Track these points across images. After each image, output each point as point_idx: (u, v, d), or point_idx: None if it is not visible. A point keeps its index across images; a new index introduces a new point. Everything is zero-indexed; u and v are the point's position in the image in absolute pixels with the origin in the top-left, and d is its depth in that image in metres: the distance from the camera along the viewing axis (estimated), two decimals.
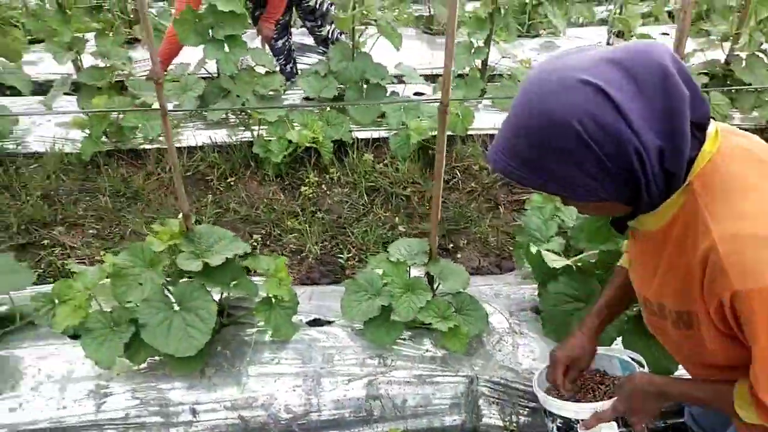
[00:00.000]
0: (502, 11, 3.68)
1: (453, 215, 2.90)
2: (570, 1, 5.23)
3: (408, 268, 1.96)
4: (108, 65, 3.38)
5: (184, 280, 1.80)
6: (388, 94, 3.55)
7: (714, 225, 0.87)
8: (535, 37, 5.08)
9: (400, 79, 3.70)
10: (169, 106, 3.45)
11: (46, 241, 2.65)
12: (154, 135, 3.25)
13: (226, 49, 3.15)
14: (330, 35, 4.10)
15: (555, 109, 0.83)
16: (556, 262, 1.78)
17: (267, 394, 1.77)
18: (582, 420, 1.22)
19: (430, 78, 4.04)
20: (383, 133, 3.40)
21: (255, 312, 1.84)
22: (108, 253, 2.06)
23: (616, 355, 1.41)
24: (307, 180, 3.09)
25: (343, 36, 3.98)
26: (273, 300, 1.87)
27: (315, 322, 2.03)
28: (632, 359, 1.36)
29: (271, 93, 3.44)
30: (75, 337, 1.95)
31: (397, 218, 2.85)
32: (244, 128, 3.38)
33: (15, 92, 3.62)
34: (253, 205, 2.95)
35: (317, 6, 3.94)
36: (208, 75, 3.59)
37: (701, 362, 1.06)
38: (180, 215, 1.84)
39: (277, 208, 2.91)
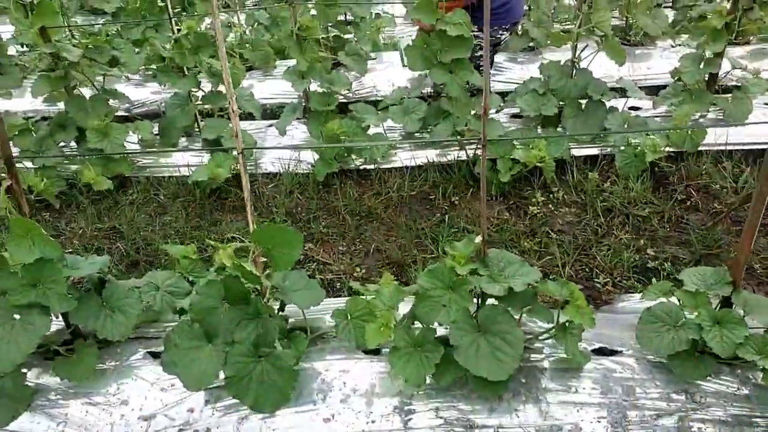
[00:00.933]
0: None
1: (701, 238, 2.71)
2: None
3: (708, 299, 1.85)
4: (331, 90, 3.61)
5: (489, 303, 1.84)
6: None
7: None
8: (746, 44, 4.65)
9: (620, 92, 3.55)
10: (395, 128, 3.65)
11: (301, 257, 2.87)
12: (378, 156, 3.41)
13: (452, 72, 3.24)
14: None
15: None
16: None
17: (571, 423, 1.75)
18: None
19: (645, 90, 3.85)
20: (592, 150, 3.30)
21: (555, 338, 1.83)
22: (386, 271, 2.18)
23: None
24: (533, 200, 3.06)
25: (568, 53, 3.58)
26: (566, 326, 1.85)
27: (600, 351, 1.97)
28: None
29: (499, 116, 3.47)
30: (368, 352, 2.08)
31: (642, 241, 2.72)
32: (459, 147, 3.44)
33: (245, 116, 4.01)
34: (469, 222, 2.97)
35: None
36: (421, 96, 3.69)
37: None
38: (477, 238, 1.89)
39: (506, 228, 2.91)
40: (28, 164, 3.61)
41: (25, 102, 4.56)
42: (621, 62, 3.25)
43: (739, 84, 3.49)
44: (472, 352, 1.74)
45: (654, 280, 2.47)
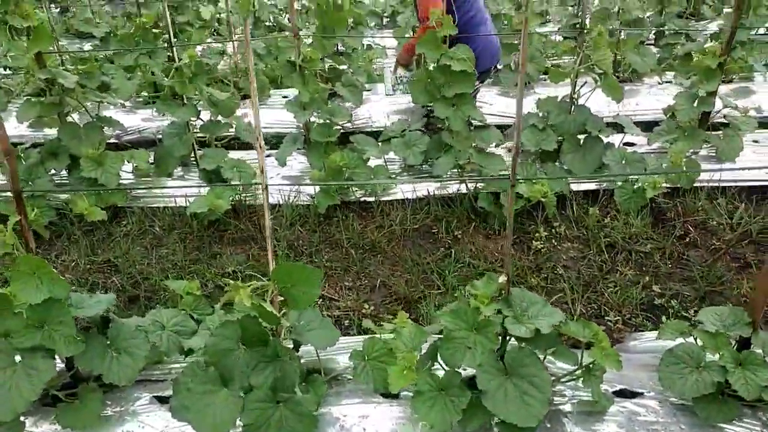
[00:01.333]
0: None
1: (703, 275, 2.75)
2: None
3: (728, 339, 1.86)
4: (331, 122, 3.60)
5: (512, 344, 1.82)
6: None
7: None
8: (729, 82, 4.82)
9: (616, 128, 3.63)
10: (395, 160, 3.66)
11: None
12: (380, 189, 3.40)
13: (454, 106, 3.27)
14: None
15: None
16: None
17: None
18: None
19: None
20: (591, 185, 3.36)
21: (582, 381, 1.81)
22: (399, 310, 2.14)
23: None
24: (536, 234, 3.07)
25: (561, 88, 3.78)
26: (590, 368, 1.84)
27: (621, 393, 1.96)
28: None
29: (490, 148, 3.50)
30: (386, 395, 2.03)
31: (646, 278, 2.74)
32: (460, 181, 3.46)
33: (239, 146, 3.98)
34: (486, 258, 2.97)
35: None
36: (422, 129, 3.71)
37: None
38: (501, 278, 1.87)
39: (512, 263, 2.91)
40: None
41: (9, 126, 4.45)
42: (619, 99, 3.32)
43: (729, 122, 3.60)
44: (500, 397, 1.71)
45: (664, 318, 2.49)
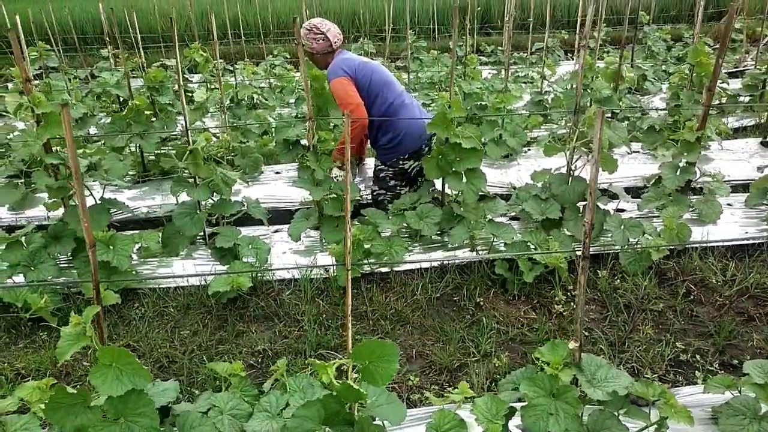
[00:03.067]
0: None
1: (716, 330, 2.96)
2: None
3: None
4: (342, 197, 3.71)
5: (595, 408, 1.91)
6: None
7: None
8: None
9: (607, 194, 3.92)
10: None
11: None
12: (396, 259, 3.49)
13: (465, 180, 3.47)
14: (375, 195, 4.13)
15: None
16: None
17: None
18: None
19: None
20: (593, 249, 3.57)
21: None
22: (462, 382, 2.20)
23: None
24: (556, 298, 3.22)
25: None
26: (660, 425, 1.94)
27: None
28: None
29: (499, 218, 3.69)
30: None
31: (667, 335, 2.92)
32: (471, 249, 3.60)
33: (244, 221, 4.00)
34: (511, 324, 3.08)
35: (375, 168, 4.14)
36: (433, 201, 3.87)
37: None
38: (571, 344, 1.98)
39: (537, 328, 3.03)
40: (17, 279, 3.38)
41: None
42: (612, 170, 3.61)
43: (705, 188, 3.96)
44: None
45: (696, 372, 2.65)
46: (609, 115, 5.28)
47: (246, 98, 6.58)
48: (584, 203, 3.70)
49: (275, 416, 2.18)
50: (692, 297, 3.25)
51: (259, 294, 3.42)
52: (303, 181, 3.64)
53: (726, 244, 3.65)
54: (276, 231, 4.01)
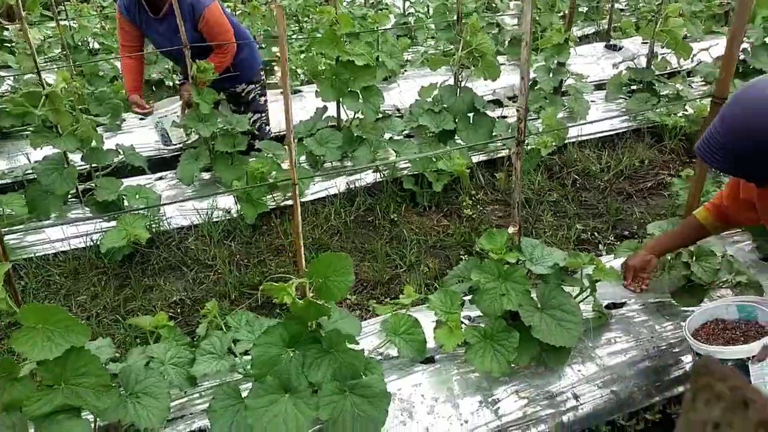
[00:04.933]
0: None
1: (605, 210, 3.29)
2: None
3: None
4: (235, 131, 3.48)
5: (540, 282, 2.03)
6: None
7: None
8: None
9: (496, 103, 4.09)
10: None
11: None
12: (304, 189, 3.38)
13: (361, 99, 3.41)
14: (253, 124, 3.69)
15: None
16: None
17: (617, 363, 2.03)
18: (754, 356, 1.60)
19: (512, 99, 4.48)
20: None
21: (591, 296, 2.10)
22: (407, 286, 2.24)
23: (730, 303, 1.84)
24: (464, 204, 3.36)
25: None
26: (592, 288, 2.14)
27: (609, 307, 2.31)
28: (743, 302, 1.81)
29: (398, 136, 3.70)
30: (424, 362, 2.10)
31: (566, 220, 3.20)
32: (374, 170, 3.60)
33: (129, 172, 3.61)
34: (428, 233, 3.16)
35: (243, 93, 3.73)
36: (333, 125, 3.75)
37: None
38: (510, 228, 2.07)
39: (452, 233, 3.15)
40: None
41: None
42: (495, 78, 3.76)
43: (572, 89, 4.30)
44: (545, 328, 1.92)
45: (601, 246, 2.94)
46: None
47: (82, 42, 5.79)
48: (473, 113, 3.83)
49: (223, 356, 2.05)
50: (578, 185, 3.57)
51: (159, 246, 3.14)
52: (189, 118, 3.33)
53: (595, 136, 4.02)
54: (160, 178, 3.67)
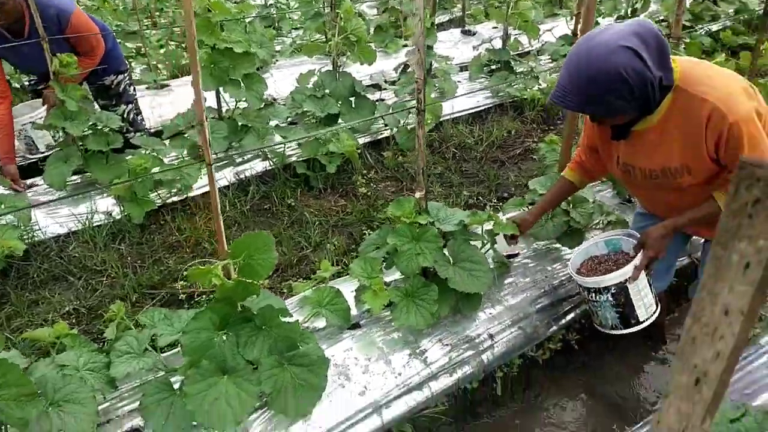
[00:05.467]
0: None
1: (486, 177, 3.59)
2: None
3: None
4: (108, 129, 3.25)
5: (451, 241, 2.19)
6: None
7: (708, 96, 1.55)
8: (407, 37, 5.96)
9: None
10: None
11: (183, 295, 2.62)
12: (192, 183, 3.26)
13: (243, 87, 3.37)
14: (126, 115, 3.57)
15: (611, 64, 1.51)
16: None
17: (521, 299, 2.28)
18: (630, 277, 1.86)
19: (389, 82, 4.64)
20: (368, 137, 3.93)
21: (491, 248, 2.32)
22: (323, 260, 2.31)
23: (598, 240, 2.15)
24: (358, 183, 3.46)
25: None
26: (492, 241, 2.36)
27: (510, 256, 2.55)
28: (608, 237, 2.13)
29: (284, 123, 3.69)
30: (350, 328, 2.18)
31: (452, 189, 3.43)
32: (262, 158, 3.57)
33: None
34: (328, 214, 3.23)
35: (112, 85, 3.52)
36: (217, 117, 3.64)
37: (678, 206, 1.81)
38: (417, 193, 2.21)
39: (350, 211, 3.25)
40: None
41: None
42: (372, 61, 3.91)
43: (439, 72, 4.58)
44: (459, 279, 2.08)
45: (487, 208, 3.21)
46: None
47: None
48: (354, 97, 3.95)
49: (142, 354, 1.96)
50: (458, 157, 3.84)
51: (36, 257, 2.87)
52: (53, 117, 3.05)
53: (465, 113, 4.34)
54: (30, 186, 3.32)
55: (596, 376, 2.34)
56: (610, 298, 1.93)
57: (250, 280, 1.78)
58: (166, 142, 3.44)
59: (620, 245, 2.12)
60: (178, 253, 2.94)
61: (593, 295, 1.98)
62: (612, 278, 1.90)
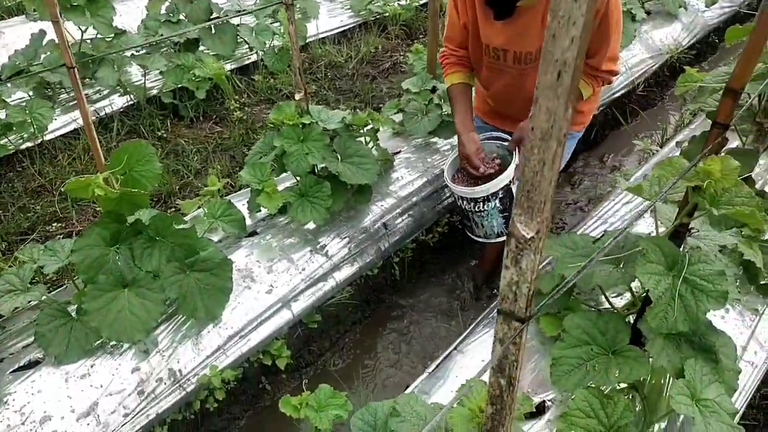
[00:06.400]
0: None
1: (358, 91, 3.65)
2: None
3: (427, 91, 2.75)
4: None
5: (337, 138, 2.24)
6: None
7: None
8: None
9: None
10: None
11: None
12: (47, 123, 2.98)
13: (88, 14, 3.08)
14: None
15: None
16: None
17: (412, 181, 2.42)
18: (513, 177, 1.81)
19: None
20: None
21: (372, 142, 2.41)
22: (211, 176, 2.28)
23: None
24: (232, 107, 3.37)
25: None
26: (374, 137, 2.46)
27: (393, 154, 2.66)
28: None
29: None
30: (249, 235, 2.19)
31: (331, 103, 3.46)
32: (122, 92, 3.33)
33: None
34: (205, 142, 3.13)
35: None
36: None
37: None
38: (297, 96, 2.22)
39: (228, 135, 3.17)
40: None
41: None
42: None
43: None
44: (349, 172, 2.16)
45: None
46: None
47: None
48: (213, 23, 3.76)
49: (28, 288, 1.84)
50: (330, 76, 3.85)
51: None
52: None
53: (333, 33, 4.32)
54: None
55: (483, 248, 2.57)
56: (498, 204, 1.84)
57: (136, 191, 1.72)
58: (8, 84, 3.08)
59: (491, 148, 2.06)
60: (45, 197, 2.72)
61: (480, 204, 1.86)
62: (499, 182, 1.80)
